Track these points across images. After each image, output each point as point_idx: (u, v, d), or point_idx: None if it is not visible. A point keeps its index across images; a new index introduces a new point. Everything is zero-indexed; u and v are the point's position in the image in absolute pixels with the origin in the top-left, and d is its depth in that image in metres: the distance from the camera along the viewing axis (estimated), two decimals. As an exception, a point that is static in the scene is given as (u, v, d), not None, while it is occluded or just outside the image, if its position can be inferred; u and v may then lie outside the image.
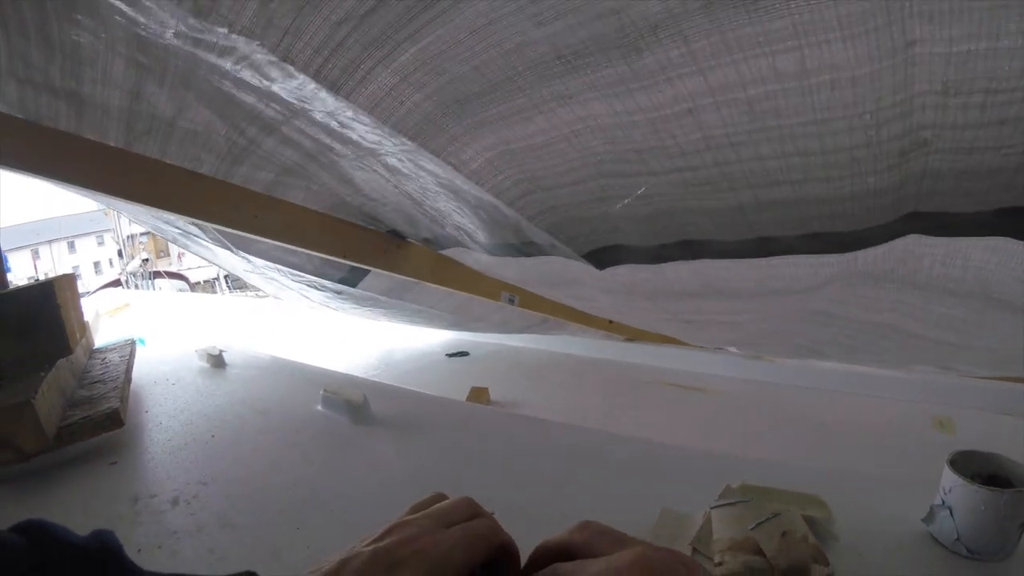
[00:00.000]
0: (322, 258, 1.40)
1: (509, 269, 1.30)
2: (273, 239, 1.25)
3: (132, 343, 1.32)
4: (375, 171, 1.06)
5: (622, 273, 1.07)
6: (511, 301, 1.58)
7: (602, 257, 1.04)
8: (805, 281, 0.92)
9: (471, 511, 0.53)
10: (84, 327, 1.29)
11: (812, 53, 0.59)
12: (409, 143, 0.86)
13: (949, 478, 0.61)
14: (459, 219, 1.14)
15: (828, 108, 0.63)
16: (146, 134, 1.10)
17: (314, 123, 0.94)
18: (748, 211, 0.81)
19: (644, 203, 0.86)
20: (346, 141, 0.96)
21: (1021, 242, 0.70)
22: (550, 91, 0.71)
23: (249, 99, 0.95)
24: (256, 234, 1.22)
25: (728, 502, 0.67)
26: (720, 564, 0.59)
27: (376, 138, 0.90)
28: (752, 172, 0.74)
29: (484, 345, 2.12)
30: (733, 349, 1.67)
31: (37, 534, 0.39)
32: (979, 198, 0.68)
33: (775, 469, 0.76)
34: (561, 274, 1.22)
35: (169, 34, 0.84)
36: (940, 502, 0.62)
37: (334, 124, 0.91)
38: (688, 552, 0.62)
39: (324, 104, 0.85)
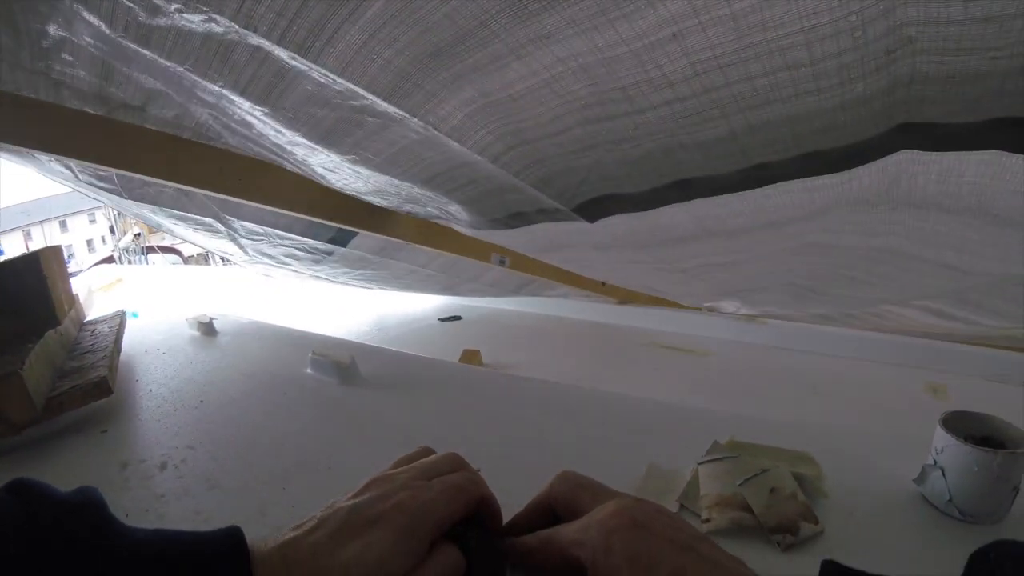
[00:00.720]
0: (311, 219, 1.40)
1: (496, 238, 1.30)
2: (259, 202, 1.24)
3: (122, 314, 1.31)
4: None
5: (615, 224, 1.06)
6: (501, 263, 1.58)
7: (593, 209, 1.03)
8: (800, 209, 0.91)
9: (455, 466, 0.54)
10: (73, 299, 1.29)
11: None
12: (384, 103, 0.85)
13: (941, 438, 0.60)
14: (437, 205, 1.14)
15: (814, 14, 0.62)
16: (121, 107, 1.09)
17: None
18: (740, 137, 0.79)
19: (634, 146, 0.84)
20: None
21: (1015, 155, 0.69)
22: (526, 32, 0.69)
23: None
24: (242, 197, 1.22)
25: (716, 458, 0.66)
26: (707, 521, 0.59)
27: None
28: (742, 95, 0.73)
29: (477, 309, 2.12)
30: (727, 307, 1.67)
31: (23, 492, 0.40)
32: (970, 106, 0.67)
33: (765, 426, 0.76)
34: (551, 239, 1.22)
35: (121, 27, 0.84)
36: (932, 462, 0.62)
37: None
38: (675, 508, 0.62)
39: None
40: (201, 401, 0.96)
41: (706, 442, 0.69)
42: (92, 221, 32.26)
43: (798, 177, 0.85)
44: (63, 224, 31.20)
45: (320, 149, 1.02)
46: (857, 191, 0.85)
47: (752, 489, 0.60)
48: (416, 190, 1.11)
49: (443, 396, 0.97)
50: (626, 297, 1.90)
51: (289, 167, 1.18)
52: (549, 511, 0.54)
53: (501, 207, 1.12)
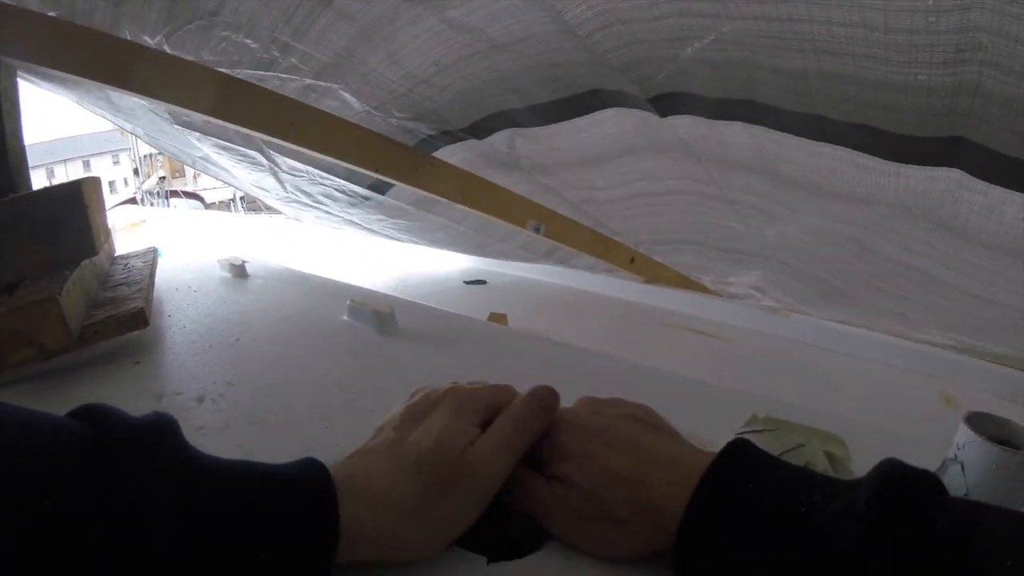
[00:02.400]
0: (353, 166, 1.40)
1: (557, 139, 1.29)
2: (307, 148, 1.24)
3: (154, 250, 1.32)
4: (432, 34, 1.07)
5: (681, 125, 1.07)
6: (537, 230, 1.57)
7: (666, 104, 1.04)
8: (847, 184, 0.93)
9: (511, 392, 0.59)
10: (108, 232, 1.29)
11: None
12: None
13: (964, 434, 0.61)
14: (517, 82, 1.13)
15: None
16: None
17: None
18: (811, 78, 0.81)
19: (718, 49, 0.86)
20: None
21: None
22: None
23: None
24: (291, 142, 1.22)
25: (754, 429, 0.67)
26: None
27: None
28: (819, 35, 0.74)
29: (502, 276, 2.11)
30: (751, 292, 1.66)
31: (94, 417, 0.40)
32: (1022, 143, 0.68)
33: (794, 410, 0.75)
34: (615, 141, 1.23)
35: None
36: (953, 456, 0.62)
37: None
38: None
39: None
40: (237, 340, 0.96)
41: (733, 418, 0.70)
42: (116, 163, 32.40)
43: (852, 147, 0.87)
44: (86, 164, 31.30)
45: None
46: (903, 194, 0.87)
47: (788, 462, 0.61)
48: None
49: (477, 352, 0.98)
50: (652, 277, 1.89)
51: (340, 103, 1.18)
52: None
53: (581, 83, 1.13)
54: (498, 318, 1.51)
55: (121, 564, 0.34)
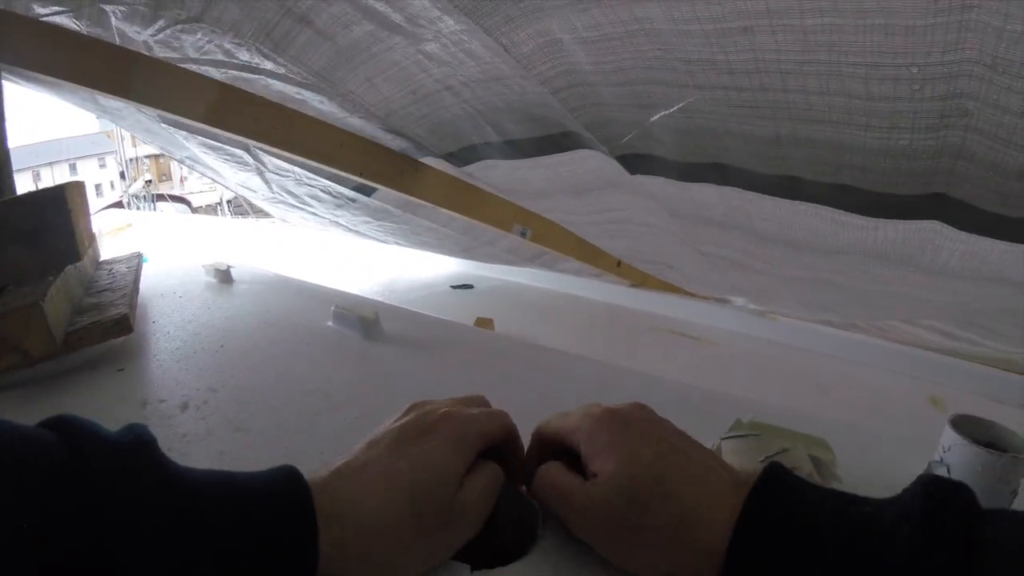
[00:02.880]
0: (340, 167, 1.40)
1: (536, 173, 1.29)
2: (291, 152, 1.24)
3: (139, 255, 1.31)
4: (410, 63, 1.05)
5: (651, 184, 1.07)
6: (523, 234, 1.57)
7: (635, 163, 1.04)
8: (823, 238, 0.93)
9: (483, 404, 0.58)
10: (93, 237, 1.28)
11: (874, -8, 0.57)
12: (465, 19, 0.86)
13: (950, 436, 0.61)
14: (492, 117, 1.13)
15: (879, 52, 0.63)
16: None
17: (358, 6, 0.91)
18: (784, 143, 0.81)
19: (685, 116, 0.86)
20: (391, 26, 0.93)
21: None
22: None
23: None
24: (275, 146, 1.22)
25: (739, 434, 0.67)
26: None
27: (433, 14, 0.89)
28: (795, 104, 0.74)
29: (489, 280, 2.11)
30: (739, 300, 1.67)
31: (67, 429, 0.38)
32: (1009, 201, 0.69)
33: (780, 413, 0.75)
34: (592, 177, 1.23)
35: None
36: (938, 459, 0.62)
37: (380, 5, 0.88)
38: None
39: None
40: (222, 346, 0.95)
41: (719, 423, 0.69)
42: (102, 166, 32.16)
43: (828, 205, 0.87)
44: (72, 167, 31.05)
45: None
46: (881, 243, 0.87)
47: (773, 467, 0.61)
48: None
49: (463, 357, 0.98)
50: (639, 281, 1.90)
51: (325, 108, 1.18)
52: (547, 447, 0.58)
53: (555, 126, 1.13)
54: (484, 323, 1.51)
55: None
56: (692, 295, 1.82)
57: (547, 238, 1.63)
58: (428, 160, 1.43)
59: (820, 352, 1.55)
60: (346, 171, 1.29)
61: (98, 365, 0.89)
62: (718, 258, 1.27)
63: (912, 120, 0.68)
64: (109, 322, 0.90)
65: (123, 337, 0.92)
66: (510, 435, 0.56)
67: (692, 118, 0.86)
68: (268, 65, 1.19)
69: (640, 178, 1.08)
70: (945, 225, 0.78)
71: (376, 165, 1.32)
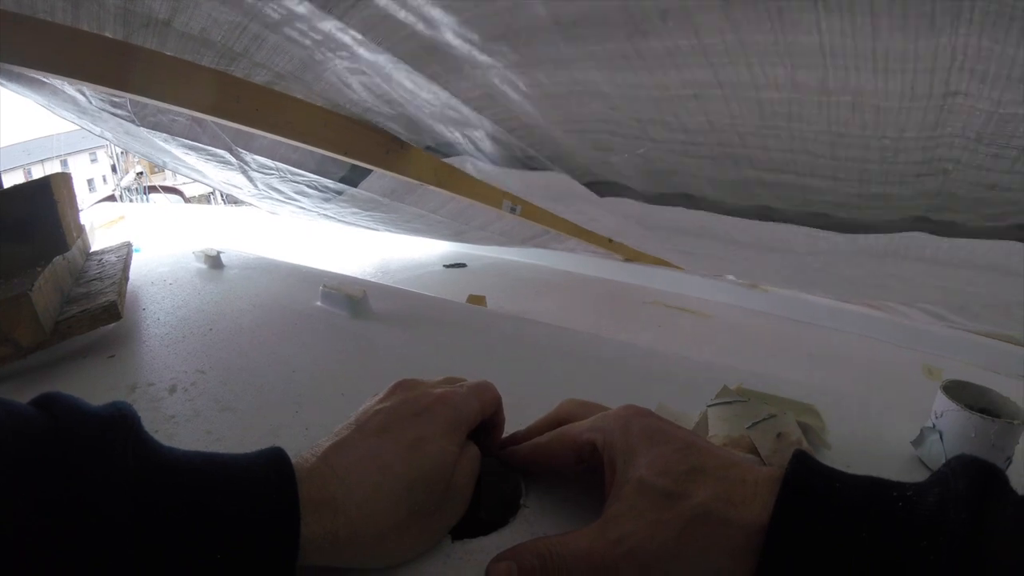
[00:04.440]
0: (324, 155, 1.38)
1: (512, 180, 1.29)
2: (274, 133, 1.23)
3: (128, 245, 1.31)
4: (374, 80, 1.04)
5: (622, 205, 1.07)
6: (513, 210, 1.57)
7: (603, 188, 1.04)
8: (802, 246, 0.93)
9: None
10: (80, 228, 1.28)
11: (837, 75, 0.57)
12: (404, 64, 0.84)
13: (942, 402, 0.61)
14: (462, 131, 1.12)
15: (845, 124, 0.62)
16: (144, 27, 1.07)
17: (315, 28, 0.91)
18: (751, 185, 0.80)
19: (643, 160, 0.85)
20: (343, 48, 0.93)
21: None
22: (546, 53, 0.69)
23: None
24: (257, 128, 1.21)
25: (725, 401, 0.66)
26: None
27: (372, 58, 0.87)
28: (756, 158, 0.73)
29: (482, 258, 2.11)
30: (730, 277, 1.67)
31: (53, 405, 0.38)
32: (993, 218, 0.69)
33: (770, 381, 0.76)
34: (566, 190, 1.22)
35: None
36: (931, 425, 0.62)
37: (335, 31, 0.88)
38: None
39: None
40: (211, 329, 0.96)
41: (711, 391, 0.69)
42: (93, 160, 32.08)
43: (805, 226, 0.86)
44: (64, 163, 30.92)
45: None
46: (863, 247, 0.87)
47: (760, 433, 0.60)
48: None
49: (452, 333, 0.98)
50: (632, 255, 1.89)
51: (316, 87, 1.17)
52: (555, 426, 0.55)
53: (520, 149, 1.11)
54: (476, 300, 1.51)
55: (69, 560, 0.33)
56: (684, 269, 1.82)
57: (539, 215, 1.62)
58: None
59: (813, 324, 1.55)
60: (331, 151, 1.28)
61: (89, 353, 0.89)
62: (702, 256, 1.28)
63: (885, 177, 0.67)
64: (98, 309, 0.90)
65: (113, 324, 0.92)
66: (498, 407, 0.56)
67: (651, 162, 0.85)
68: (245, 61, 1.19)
69: (610, 200, 1.08)
70: (929, 235, 0.77)
71: (361, 144, 1.32)
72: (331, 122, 1.26)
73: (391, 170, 1.38)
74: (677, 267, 1.79)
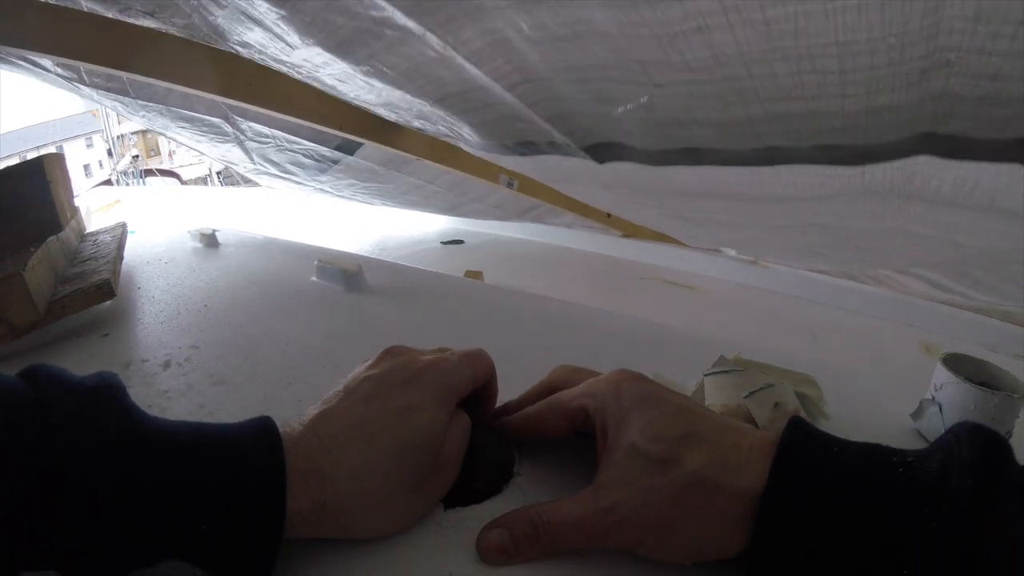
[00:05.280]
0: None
1: (504, 163, 1.29)
2: (268, 108, 1.23)
3: (123, 225, 1.30)
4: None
5: (622, 169, 1.06)
6: (510, 185, 1.56)
7: (603, 152, 1.03)
8: (809, 190, 0.91)
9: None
10: (75, 209, 1.28)
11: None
12: (407, 19, 0.83)
13: (942, 374, 0.61)
14: (447, 125, 1.12)
15: (852, 31, 0.61)
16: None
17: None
18: (756, 123, 0.79)
19: (647, 111, 0.84)
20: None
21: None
22: None
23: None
24: (251, 103, 1.21)
25: (722, 370, 0.66)
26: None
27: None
28: (763, 87, 0.72)
29: (479, 235, 2.11)
30: (730, 251, 1.66)
31: (37, 376, 0.38)
32: (997, 125, 0.67)
33: (768, 353, 0.75)
34: (558, 170, 1.21)
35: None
36: (930, 398, 0.62)
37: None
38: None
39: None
40: (205, 305, 0.95)
41: (708, 362, 0.68)
42: (89, 146, 32.02)
43: (811, 163, 0.85)
44: (60, 149, 30.88)
45: (334, 59, 1.00)
46: (869, 183, 0.85)
47: (757, 402, 0.60)
48: (428, 108, 1.10)
49: (447, 307, 0.98)
50: (631, 231, 1.89)
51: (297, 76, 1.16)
52: (547, 393, 0.55)
53: (512, 134, 1.12)
54: (473, 275, 1.50)
55: (51, 530, 0.33)
56: (683, 244, 1.82)
57: (535, 190, 1.62)
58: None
59: (813, 300, 1.55)
60: (327, 125, 1.28)
61: (83, 332, 0.89)
62: (702, 220, 1.27)
63: (891, 82, 0.65)
64: (91, 288, 0.90)
65: (107, 303, 0.92)
66: (491, 377, 0.55)
67: (655, 111, 0.84)
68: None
69: (610, 165, 1.07)
70: (934, 157, 0.76)
71: (356, 120, 1.31)
72: (324, 97, 1.26)
73: (387, 144, 1.37)
74: (677, 242, 1.79)
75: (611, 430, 0.45)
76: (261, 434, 0.41)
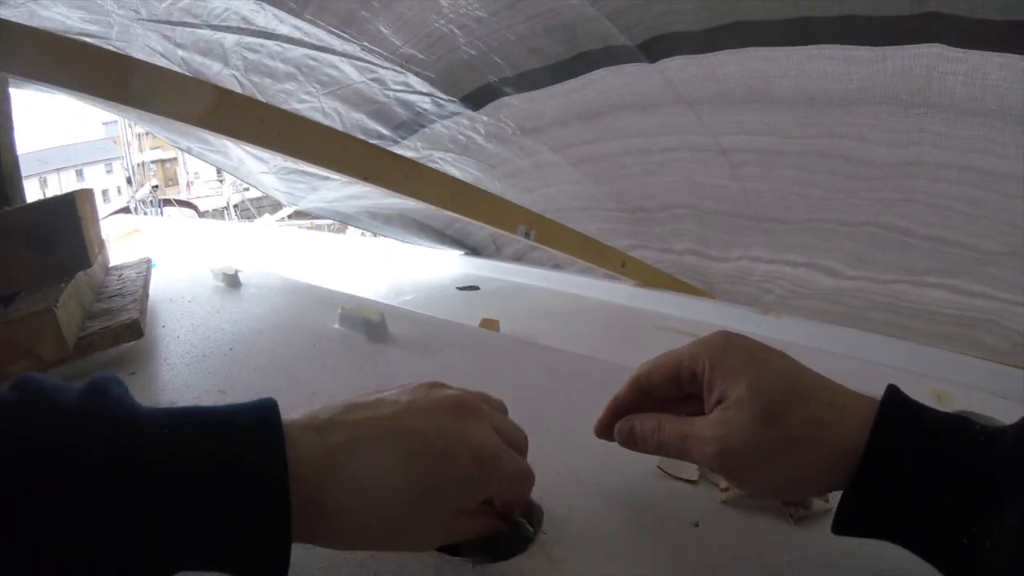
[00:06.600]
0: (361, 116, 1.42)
1: (553, 102, 1.34)
2: (297, 157, 1.25)
3: (148, 261, 1.33)
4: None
5: (672, 68, 1.12)
6: (527, 235, 1.58)
7: (656, 48, 1.09)
8: (838, 83, 0.99)
9: (517, 435, 0.54)
10: (103, 243, 1.30)
11: None
12: None
13: None
14: (504, 52, 1.19)
15: None
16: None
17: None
18: None
19: None
20: None
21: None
22: None
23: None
24: (280, 152, 1.23)
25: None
26: (726, 490, 0.60)
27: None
28: None
29: (495, 281, 2.12)
30: (750, 263, 1.67)
31: (25, 387, 0.37)
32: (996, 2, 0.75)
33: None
34: (605, 97, 1.27)
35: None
36: None
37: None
38: (695, 476, 0.63)
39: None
40: (231, 349, 0.97)
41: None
42: (109, 171, 32.30)
43: (837, 43, 0.93)
44: (79, 173, 31.16)
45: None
46: (891, 81, 0.93)
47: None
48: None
49: (468, 359, 0.98)
50: (645, 281, 1.91)
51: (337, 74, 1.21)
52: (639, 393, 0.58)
53: (570, 44, 1.16)
54: (490, 323, 1.52)
55: (40, 508, 0.31)
56: (698, 293, 1.83)
57: (552, 239, 1.64)
58: (436, 128, 1.47)
59: (824, 350, 1.55)
60: (351, 175, 1.30)
61: (110, 369, 0.88)
62: (738, 152, 1.30)
63: None
64: (120, 327, 0.92)
65: (134, 341, 0.93)
66: (518, 503, 0.53)
67: None
68: (284, 29, 1.21)
69: (662, 64, 1.11)
70: (943, 46, 0.83)
71: (380, 168, 1.34)
72: (351, 147, 1.28)
73: (410, 195, 1.40)
74: (691, 291, 1.80)
75: (717, 386, 0.49)
76: (263, 421, 0.42)
